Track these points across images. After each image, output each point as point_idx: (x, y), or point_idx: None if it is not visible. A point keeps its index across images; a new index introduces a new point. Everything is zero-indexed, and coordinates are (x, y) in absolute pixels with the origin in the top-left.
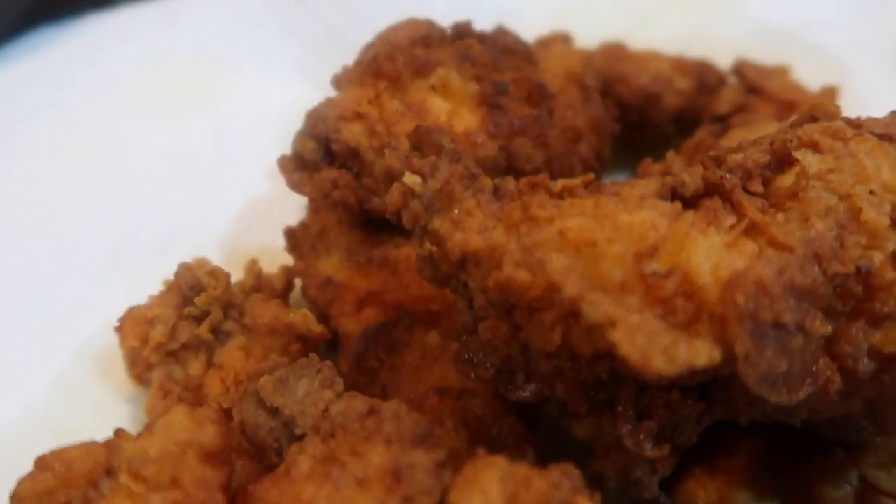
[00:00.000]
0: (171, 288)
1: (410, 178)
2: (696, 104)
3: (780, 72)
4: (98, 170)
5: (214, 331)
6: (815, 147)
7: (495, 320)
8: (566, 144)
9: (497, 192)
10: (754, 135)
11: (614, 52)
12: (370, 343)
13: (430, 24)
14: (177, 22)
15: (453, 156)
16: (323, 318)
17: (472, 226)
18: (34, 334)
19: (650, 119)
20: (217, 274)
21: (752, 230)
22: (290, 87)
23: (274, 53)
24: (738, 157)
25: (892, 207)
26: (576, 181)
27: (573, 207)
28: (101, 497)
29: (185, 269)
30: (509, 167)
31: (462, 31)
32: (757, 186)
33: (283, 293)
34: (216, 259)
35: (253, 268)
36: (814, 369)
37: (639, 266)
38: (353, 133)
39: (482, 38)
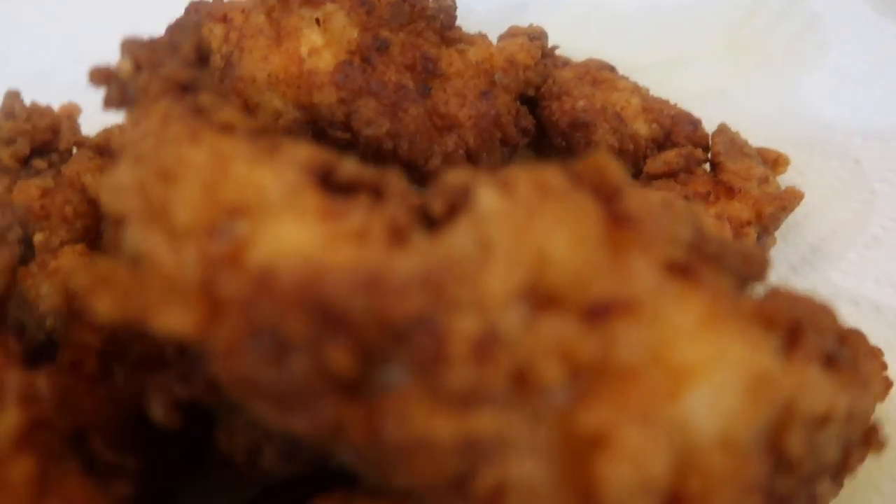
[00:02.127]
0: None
1: (122, 63)
2: (647, 155)
3: (761, 157)
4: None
5: (23, 161)
6: (505, 187)
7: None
8: (429, 129)
9: (200, 111)
10: None
11: (591, 71)
12: None
13: None
14: None
15: (187, 59)
16: None
17: (145, 126)
18: None
19: (575, 150)
20: (40, 113)
21: (367, 231)
22: None
23: None
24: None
25: (521, 288)
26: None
27: (213, 142)
28: None
29: (10, 95)
30: (347, 125)
31: None
32: (440, 205)
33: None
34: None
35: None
36: (320, 408)
37: (214, 217)
38: (210, 32)
39: None
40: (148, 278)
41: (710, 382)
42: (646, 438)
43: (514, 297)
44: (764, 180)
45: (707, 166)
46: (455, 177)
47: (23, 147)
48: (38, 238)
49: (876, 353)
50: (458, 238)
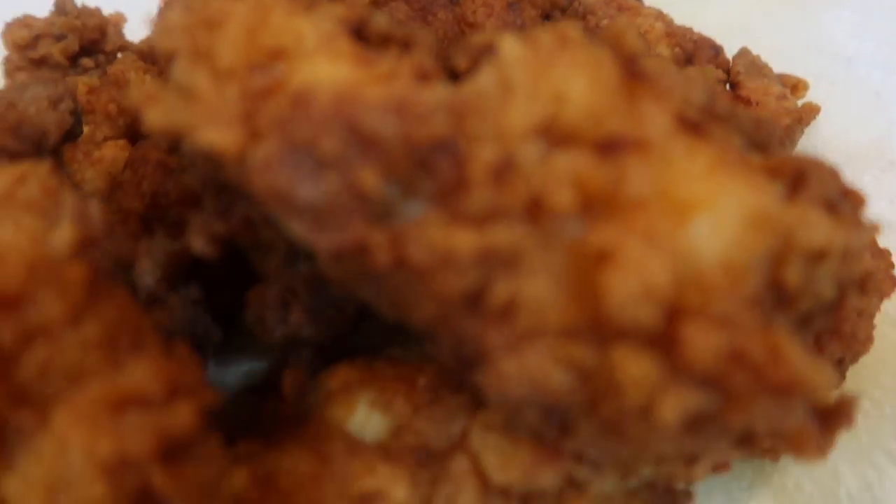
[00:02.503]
0: (54, 11)
1: None
2: None
3: (781, 81)
4: None
5: (72, 59)
6: (527, 38)
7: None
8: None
9: None
10: None
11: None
12: None
13: None
14: None
15: None
16: None
17: None
18: None
19: None
20: (89, 13)
21: (395, 72)
22: None
23: None
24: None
25: (541, 123)
26: None
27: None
28: None
29: None
30: None
31: None
32: (464, 60)
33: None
34: None
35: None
36: (348, 227)
37: (254, 58)
38: None
39: None
40: (193, 104)
41: (714, 213)
42: (650, 255)
43: (531, 132)
44: (782, 97)
45: (727, 87)
46: (479, 36)
47: (72, 44)
48: (84, 130)
49: (884, 253)
50: (482, 79)
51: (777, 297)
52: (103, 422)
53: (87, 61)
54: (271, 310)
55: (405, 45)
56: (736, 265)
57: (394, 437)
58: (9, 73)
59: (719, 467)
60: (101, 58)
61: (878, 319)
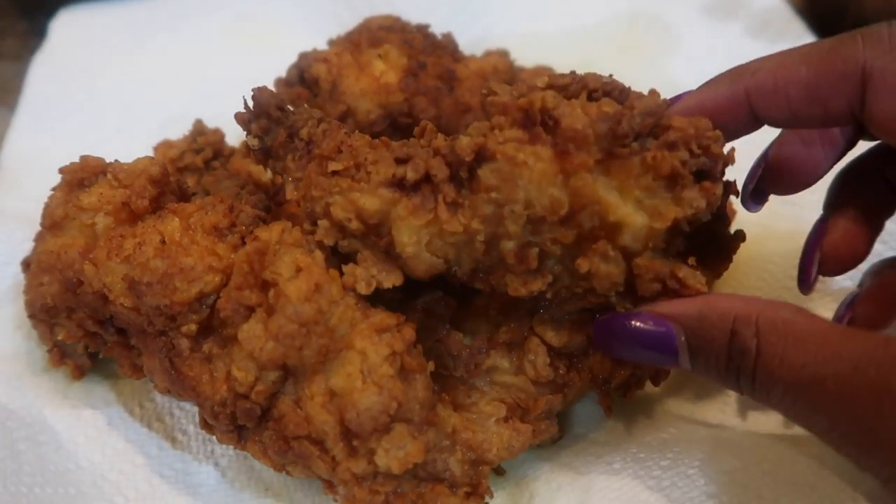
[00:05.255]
0: (191, 133)
1: (250, 140)
2: None
3: None
4: (191, 75)
5: (206, 163)
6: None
7: None
8: (456, 113)
9: (307, 148)
10: None
11: (540, 72)
12: None
13: (395, 19)
14: None
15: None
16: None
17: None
18: None
19: None
20: (216, 132)
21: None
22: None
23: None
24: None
25: (526, 220)
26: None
27: (335, 182)
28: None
29: (198, 123)
30: (410, 113)
31: (417, 28)
32: (465, 172)
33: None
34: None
35: (246, 141)
36: None
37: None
38: (317, 70)
39: (426, 35)
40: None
41: (632, 223)
42: (616, 256)
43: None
44: None
45: None
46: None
47: (208, 153)
48: None
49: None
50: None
51: (675, 233)
52: (377, 338)
53: (214, 163)
54: None
55: (427, 179)
56: (655, 233)
57: (490, 340)
58: None
59: None
60: (223, 159)
61: None
